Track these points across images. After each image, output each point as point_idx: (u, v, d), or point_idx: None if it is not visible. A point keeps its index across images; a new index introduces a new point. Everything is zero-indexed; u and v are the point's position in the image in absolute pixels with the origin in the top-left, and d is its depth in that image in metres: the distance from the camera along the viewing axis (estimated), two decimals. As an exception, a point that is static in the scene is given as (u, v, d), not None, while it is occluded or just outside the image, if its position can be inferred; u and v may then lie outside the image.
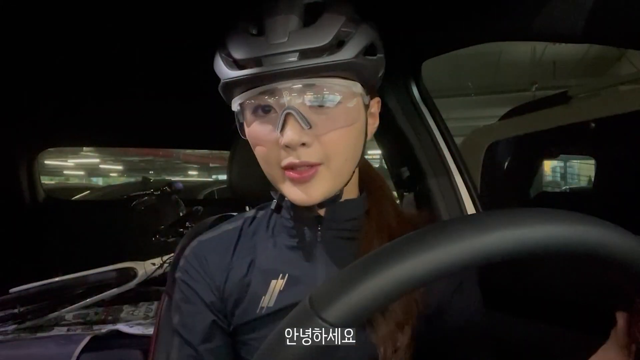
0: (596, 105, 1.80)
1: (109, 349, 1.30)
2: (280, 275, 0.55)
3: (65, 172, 17.12)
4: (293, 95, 0.46)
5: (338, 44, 0.46)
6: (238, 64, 0.47)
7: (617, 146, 1.86)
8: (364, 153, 0.54)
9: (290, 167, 0.48)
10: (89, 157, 15.31)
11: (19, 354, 1.28)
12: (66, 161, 15.51)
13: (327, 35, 0.45)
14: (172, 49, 0.93)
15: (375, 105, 0.56)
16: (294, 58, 0.45)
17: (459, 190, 0.88)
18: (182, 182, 2.43)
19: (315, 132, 0.47)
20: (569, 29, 0.53)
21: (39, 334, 1.40)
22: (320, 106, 0.47)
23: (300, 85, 0.46)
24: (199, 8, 0.74)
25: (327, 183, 0.50)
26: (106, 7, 0.72)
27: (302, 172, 0.48)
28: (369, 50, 0.49)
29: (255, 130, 0.50)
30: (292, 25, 0.46)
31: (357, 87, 0.49)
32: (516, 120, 2.04)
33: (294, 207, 0.55)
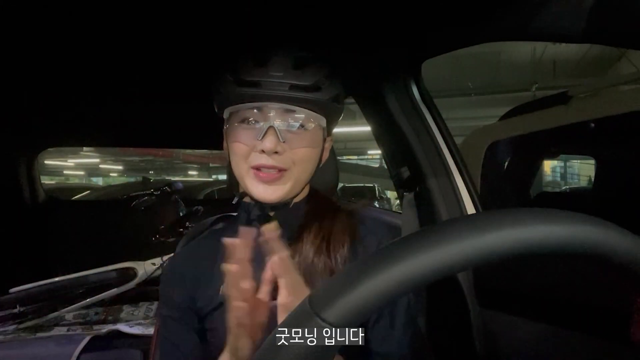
0: (596, 105, 1.80)
1: (109, 349, 1.31)
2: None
3: (65, 172, 17.14)
4: (277, 114, 0.61)
5: (317, 88, 0.62)
6: (242, 83, 0.61)
7: (617, 146, 1.86)
8: (315, 173, 0.68)
9: (259, 168, 0.62)
10: (89, 157, 15.32)
11: (19, 354, 1.28)
12: (66, 161, 15.53)
13: (311, 79, 0.61)
14: (172, 49, 0.93)
15: (329, 142, 0.71)
16: (285, 88, 0.60)
17: (459, 190, 0.88)
18: (182, 182, 2.43)
19: (287, 146, 0.62)
20: (569, 29, 0.53)
21: (39, 334, 1.40)
22: (295, 127, 0.62)
23: (284, 110, 0.61)
24: (200, 12, 0.74)
25: (288, 186, 0.63)
26: (106, 7, 0.72)
27: (270, 174, 0.62)
28: (335, 99, 0.65)
29: (239, 132, 0.63)
30: (287, 65, 0.61)
31: (323, 122, 0.65)
32: (516, 120, 2.04)
33: (248, 208, 0.69)
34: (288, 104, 0.61)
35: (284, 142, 0.61)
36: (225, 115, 0.65)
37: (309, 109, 0.62)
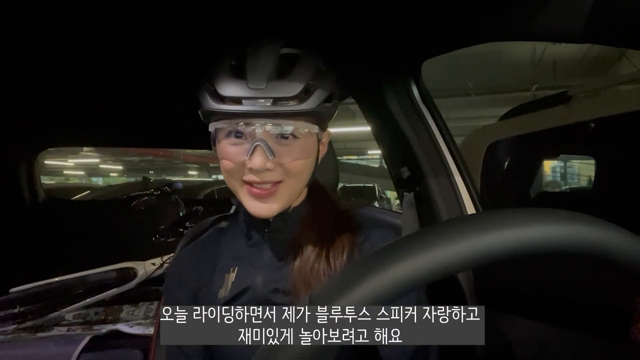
0: (596, 105, 1.80)
1: (109, 349, 1.31)
2: (231, 269, 0.67)
3: (65, 172, 17.15)
4: (264, 129, 0.57)
5: (305, 92, 0.57)
6: (221, 98, 0.57)
7: (617, 146, 1.86)
8: (313, 175, 0.66)
9: (251, 184, 0.59)
10: (89, 157, 15.32)
11: (19, 354, 1.28)
12: (66, 161, 15.53)
13: (297, 88, 0.56)
14: (172, 48, 0.93)
15: (326, 137, 0.68)
16: (268, 103, 0.56)
17: (459, 190, 0.88)
18: (182, 182, 2.43)
19: (277, 160, 0.58)
20: (569, 29, 0.53)
21: (39, 334, 1.40)
22: (284, 139, 0.59)
23: (270, 125, 0.57)
24: (200, 14, 0.74)
25: (283, 200, 0.62)
26: (107, 7, 0.72)
27: (263, 189, 0.60)
28: (327, 99, 0.60)
29: (227, 149, 0.60)
30: (270, 74, 0.56)
31: (315, 129, 0.60)
32: (516, 120, 2.04)
33: (247, 213, 0.65)
34: (273, 119, 0.57)
35: (273, 157, 0.58)
36: (211, 129, 0.61)
37: (297, 120, 0.58)
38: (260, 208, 0.61)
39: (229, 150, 0.60)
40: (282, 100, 0.56)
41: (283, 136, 0.59)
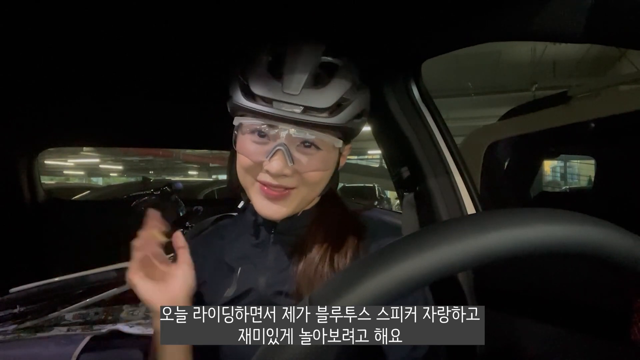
0: (596, 105, 1.80)
1: (109, 349, 1.30)
2: (240, 268, 0.66)
3: (65, 172, 17.16)
4: (288, 134, 0.56)
5: (337, 106, 0.57)
6: (252, 96, 0.56)
7: (617, 146, 1.86)
8: (328, 185, 0.65)
9: (266, 184, 0.59)
10: (89, 157, 15.33)
11: (19, 354, 1.28)
12: (66, 161, 15.54)
13: (330, 100, 0.56)
14: (173, 49, 0.93)
15: (347, 149, 0.66)
16: (298, 110, 0.55)
17: (459, 190, 0.88)
18: (182, 182, 2.44)
19: (295, 167, 0.58)
20: (569, 29, 0.53)
21: (39, 334, 1.40)
22: (307, 148, 0.58)
23: (295, 132, 0.56)
24: (203, 15, 0.74)
25: (293, 205, 0.61)
26: (108, 6, 0.72)
27: (276, 191, 0.59)
28: (357, 115, 0.59)
29: (247, 146, 0.59)
30: (306, 82, 0.55)
31: (339, 143, 0.60)
32: (516, 120, 2.04)
33: (255, 212, 0.64)
34: (300, 127, 0.56)
35: (293, 163, 0.57)
36: (235, 122, 0.60)
37: (323, 132, 0.57)
38: (270, 209, 0.60)
39: (250, 147, 0.59)
40: (313, 111, 0.55)
41: (305, 145, 0.58)
